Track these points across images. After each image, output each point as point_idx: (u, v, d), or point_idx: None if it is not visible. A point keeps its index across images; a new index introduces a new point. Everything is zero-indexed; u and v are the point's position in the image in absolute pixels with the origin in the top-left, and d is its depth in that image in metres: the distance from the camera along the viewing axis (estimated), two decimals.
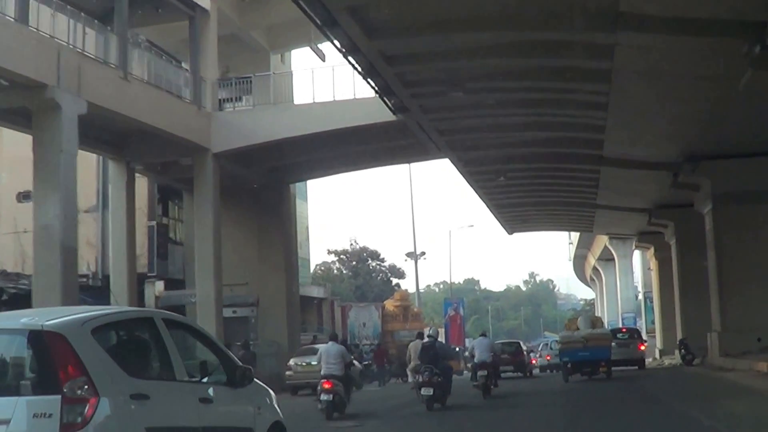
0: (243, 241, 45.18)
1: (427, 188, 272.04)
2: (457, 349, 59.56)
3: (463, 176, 49.12)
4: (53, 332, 7.80)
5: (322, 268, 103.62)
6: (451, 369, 25.94)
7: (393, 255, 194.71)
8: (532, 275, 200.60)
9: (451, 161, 44.89)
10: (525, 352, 50.74)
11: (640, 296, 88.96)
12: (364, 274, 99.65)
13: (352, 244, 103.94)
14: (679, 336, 51.56)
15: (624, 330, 52.75)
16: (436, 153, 43.01)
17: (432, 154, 43.79)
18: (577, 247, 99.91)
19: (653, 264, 66.28)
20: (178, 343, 9.42)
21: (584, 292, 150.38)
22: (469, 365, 40.06)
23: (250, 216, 45.57)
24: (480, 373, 28.53)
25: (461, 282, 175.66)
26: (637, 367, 45.07)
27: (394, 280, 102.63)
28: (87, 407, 7.52)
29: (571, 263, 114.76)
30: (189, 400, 9.05)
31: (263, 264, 44.76)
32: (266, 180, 44.92)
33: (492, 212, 61.89)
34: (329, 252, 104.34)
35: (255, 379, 10.47)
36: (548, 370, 52.74)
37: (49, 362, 7.70)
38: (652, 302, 72.09)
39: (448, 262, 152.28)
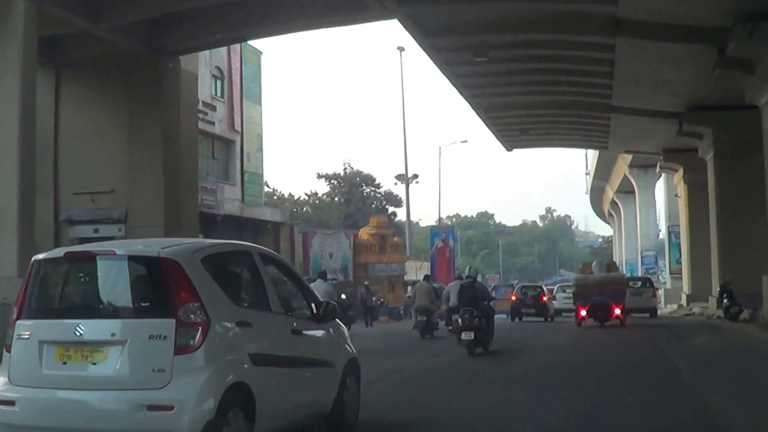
0: (109, 136, 30.72)
1: (431, 111, 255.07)
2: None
3: (432, 58, 34.56)
4: (169, 259, 7.89)
5: (308, 193, 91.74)
6: (493, 310, 23.49)
7: (391, 182, 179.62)
8: (549, 210, 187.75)
9: (405, 27, 30.22)
10: (547, 298, 46.20)
11: (662, 232, 78.47)
12: (356, 201, 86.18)
13: (345, 168, 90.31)
14: (716, 279, 38.50)
15: (636, 279, 49.26)
16: (380, 10, 28.16)
17: (373, 10, 28.80)
18: (594, 178, 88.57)
19: (681, 189, 52.12)
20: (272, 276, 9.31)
21: (603, 229, 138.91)
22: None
23: (119, 101, 30.80)
24: (455, 317, 24.24)
25: (474, 216, 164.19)
26: (649, 315, 42.40)
27: (390, 209, 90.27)
28: (199, 331, 7.60)
29: (588, 197, 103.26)
30: (284, 331, 9.13)
31: (136, 167, 30.16)
32: (138, 48, 29.99)
33: (483, 121, 47.24)
34: (319, 176, 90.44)
35: None
36: (561, 314, 46.45)
37: (165, 287, 7.81)
38: (677, 237, 58.03)
39: (457, 193, 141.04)
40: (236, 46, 49.60)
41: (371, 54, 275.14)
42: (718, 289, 35.33)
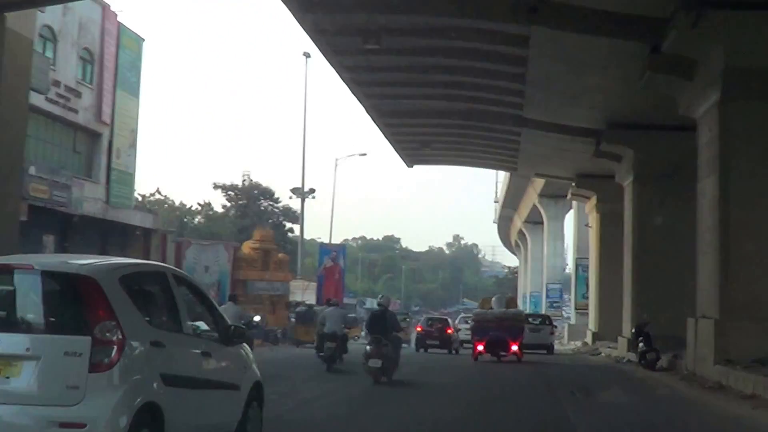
0: None
1: (340, 124, 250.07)
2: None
3: (315, 43, 29.31)
4: (88, 277, 7.87)
5: (201, 202, 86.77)
6: (401, 340, 23.48)
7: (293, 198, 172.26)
8: (456, 238, 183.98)
9: None
10: (453, 329, 45.29)
11: (569, 266, 75.07)
12: (252, 215, 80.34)
13: (244, 180, 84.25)
14: (628, 317, 34.38)
15: (536, 315, 49.01)
16: None
17: None
18: (503, 207, 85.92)
19: (593, 219, 47.69)
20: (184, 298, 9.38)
21: (510, 260, 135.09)
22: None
23: None
24: (328, 344, 25.44)
25: (380, 239, 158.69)
26: (546, 351, 41.81)
27: (288, 224, 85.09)
28: (115, 350, 7.56)
29: (496, 225, 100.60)
30: (194, 352, 9.08)
31: None
32: None
33: (381, 130, 42.10)
34: (216, 186, 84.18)
35: None
36: (463, 344, 45.02)
37: (82, 305, 7.80)
38: (586, 271, 53.41)
39: (363, 215, 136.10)
40: (112, 29, 43.66)
41: (276, 60, 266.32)
42: (633, 330, 30.35)
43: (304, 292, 58.97)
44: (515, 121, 36.51)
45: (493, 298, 36.04)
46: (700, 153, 23.76)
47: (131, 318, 7.86)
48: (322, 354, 25.88)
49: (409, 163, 50.95)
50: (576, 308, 59.61)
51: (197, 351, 9.11)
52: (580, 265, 57.58)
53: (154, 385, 7.93)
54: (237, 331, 9.95)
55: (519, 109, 34.48)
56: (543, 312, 66.57)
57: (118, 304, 7.75)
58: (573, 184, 47.10)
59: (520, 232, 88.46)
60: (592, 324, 47.51)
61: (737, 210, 21.57)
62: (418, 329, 45.54)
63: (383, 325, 21.94)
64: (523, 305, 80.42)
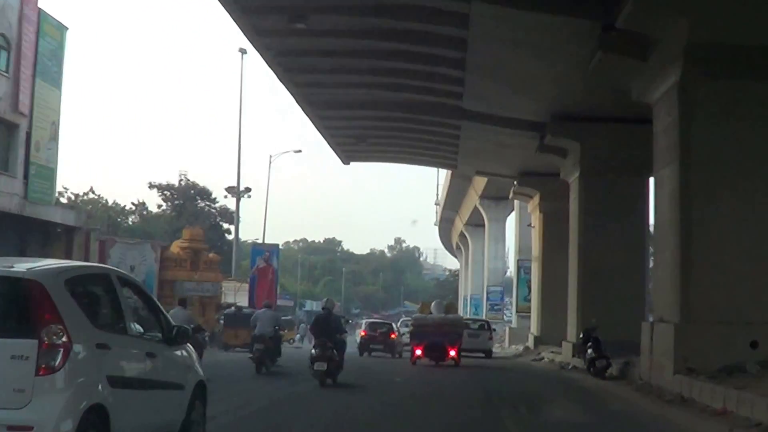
0: None
1: (282, 123, 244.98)
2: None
3: (238, 24, 26.47)
4: (33, 280, 7.80)
5: (136, 202, 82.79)
6: (345, 343, 23.21)
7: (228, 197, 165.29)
8: (398, 241, 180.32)
9: None
10: (397, 335, 45.52)
11: (511, 269, 73.11)
12: (188, 215, 77.09)
13: (181, 179, 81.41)
14: (573, 321, 32.04)
15: (475, 320, 48.47)
16: None
17: None
18: (444, 209, 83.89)
19: (536, 218, 45.17)
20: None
21: (452, 263, 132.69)
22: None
23: None
24: (257, 346, 25.03)
25: (321, 241, 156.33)
26: (484, 356, 40.96)
27: (225, 225, 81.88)
28: (61, 353, 7.48)
29: (437, 228, 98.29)
30: (139, 354, 9.08)
31: None
32: None
33: (313, 123, 39.25)
34: (151, 186, 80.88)
35: None
36: (404, 347, 44.00)
37: (28, 308, 7.72)
38: (528, 273, 51.03)
39: (305, 217, 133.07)
40: (32, 16, 40.41)
41: (213, 57, 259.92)
42: (580, 335, 27.70)
43: (236, 294, 55.94)
44: (455, 112, 33.84)
45: (433, 303, 35.51)
46: (657, 141, 21.30)
47: (77, 321, 7.80)
48: (250, 356, 25.46)
49: (346, 159, 48.07)
50: (517, 311, 57.07)
51: (142, 352, 9.07)
52: (522, 266, 55.06)
53: (100, 387, 7.90)
54: (181, 332, 9.88)
55: (459, 99, 31.86)
56: (484, 315, 64.65)
57: (63, 307, 7.68)
58: (515, 182, 44.71)
59: (462, 235, 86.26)
60: (534, 327, 45.17)
61: (699, 202, 19.05)
62: (363, 334, 45.35)
63: (328, 328, 22.01)
64: (464, 308, 78.37)
